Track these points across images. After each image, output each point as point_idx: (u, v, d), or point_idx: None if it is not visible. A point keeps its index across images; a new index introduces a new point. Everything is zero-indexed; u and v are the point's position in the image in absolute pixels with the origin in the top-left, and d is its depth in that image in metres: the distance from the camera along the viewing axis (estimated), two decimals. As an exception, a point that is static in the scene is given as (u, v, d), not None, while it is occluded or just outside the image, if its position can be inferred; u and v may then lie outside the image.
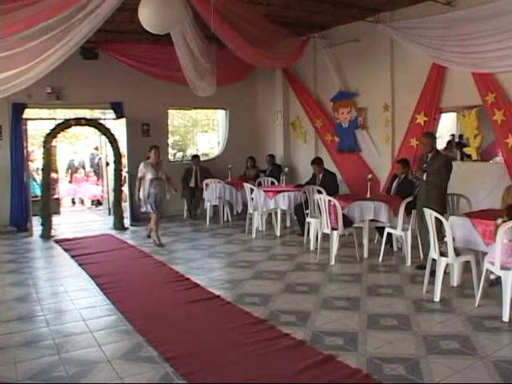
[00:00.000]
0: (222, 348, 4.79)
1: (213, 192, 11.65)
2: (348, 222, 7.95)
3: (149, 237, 9.82)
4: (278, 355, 4.59)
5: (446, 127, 11.63)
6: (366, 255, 8.14)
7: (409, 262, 7.63)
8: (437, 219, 6.06)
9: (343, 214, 7.86)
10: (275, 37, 9.50)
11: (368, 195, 8.35)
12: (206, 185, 11.89)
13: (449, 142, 12.29)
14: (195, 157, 13.07)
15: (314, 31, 11.11)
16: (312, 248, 8.72)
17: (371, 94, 10.60)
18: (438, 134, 9.20)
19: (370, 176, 8.67)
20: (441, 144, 11.26)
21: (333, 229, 7.92)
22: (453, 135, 12.42)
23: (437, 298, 5.98)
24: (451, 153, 10.83)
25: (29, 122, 11.53)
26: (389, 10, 9.52)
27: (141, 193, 9.36)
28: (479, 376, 4.14)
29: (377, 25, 9.63)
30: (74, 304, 6.22)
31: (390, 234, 8.09)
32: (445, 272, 6.17)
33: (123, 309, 5.93)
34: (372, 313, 5.63)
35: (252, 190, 10.27)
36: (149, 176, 9.27)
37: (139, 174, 9.34)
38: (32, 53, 6.99)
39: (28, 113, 11.61)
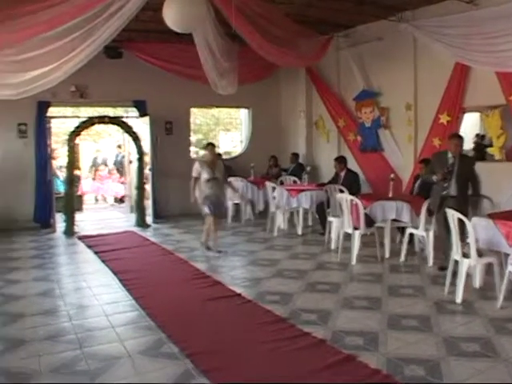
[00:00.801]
0: (243, 346, 4.81)
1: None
2: (370, 221, 7.92)
3: (208, 248, 8.81)
4: (299, 354, 4.60)
5: (468, 127, 11.43)
6: (387, 255, 8.10)
7: (431, 263, 7.57)
8: (459, 220, 6.02)
9: (365, 214, 7.84)
10: (298, 36, 9.49)
11: (390, 195, 8.31)
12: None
13: (476, 143, 11.99)
14: (218, 155, 13.08)
15: (337, 30, 11.07)
16: (333, 247, 8.71)
17: (394, 94, 10.54)
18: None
19: (392, 176, 8.62)
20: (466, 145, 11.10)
21: (355, 228, 7.90)
22: (482, 136, 12.11)
23: (458, 300, 5.93)
24: (480, 153, 10.64)
25: (53, 120, 11.66)
26: (411, 9, 9.45)
27: (196, 194, 8.70)
28: (501, 379, 4.10)
29: (400, 24, 9.57)
30: (97, 299, 6.29)
31: (411, 234, 8.04)
32: (467, 273, 6.12)
33: (145, 305, 5.99)
34: (393, 313, 5.61)
35: (274, 189, 10.28)
36: (204, 176, 8.57)
37: (194, 174, 8.67)
38: (58, 53, 7.10)
39: (52, 111, 11.76)
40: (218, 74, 9.73)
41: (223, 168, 8.85)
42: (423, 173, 8.42)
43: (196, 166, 8.69)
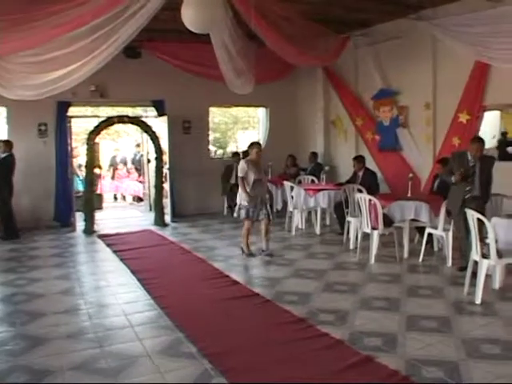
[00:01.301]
0: (261, 346, 4.82)
1: (253, 189, 11.68)
2: (388, 221, 7.89)
3: (250, 255, 8.41)
4: (317, 354, 4.60)
5: (488, 125, 11.32)
6: (406, 255, 8.07)
7: (450, 263, 7.53)
8: (479, 220, 5.97)
9: (383, 214, 7.81)
10: (316, 35, 9.47)
11: (409, 194, 8.27)
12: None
13: (500, 141, 11.82)
14: (236, 154, 13.12)
15: (355, 29, 11.03)
16: (352, 247, 8.70)
17: (412, 93, 10.47)
18: (480, 133, 9.01)
19: (410, 175, 8.57)
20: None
21: (373, 228, 7.88)
22: (504, 133, 11.92)
23: (478, 301, 5.89)
24: (503, 151, 10.56)
25: (73, 120, 11.75)
26: (431, 7, 9.36)
27: (238, 196, 8.28)
28: (521, 381, 4.08)
29: (418, 22, 9.51)
30: (116, 298, 6.35)
31: (430, 235, 7.99)
32: (486, 274, 6.07)
33: (163, 304, 6.02)
34: (411, 314, 5.59)
35: (292, 188, 10.28)
36: (251, 176, 8.07)
37: (240, 174, 8.12)
38: (79, 53, 7.17)
39: (72, 111, 11.86)
40: (234, 74, 9.75)
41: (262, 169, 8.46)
42: (442, 172, 8.37)
43: (242, 166, 8.13)
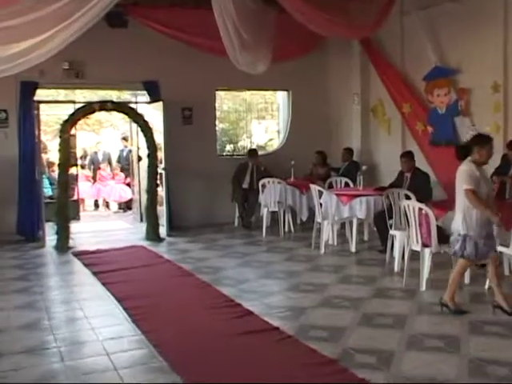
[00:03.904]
0: (281, 395, 4.77)
1: (271, 195, 11.71)
2: (444, 236, 7.77)
3: (460, 312, 6.73)
4: (352, 407, 4.54)
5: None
6: (467, 280, 7.95)
7: (525, 290, 7.43)
8: None
9: (438, 226, 7.72)
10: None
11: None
12: (263, 186, 11.92)
13: None
14: (253, 152, 13.06)
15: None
16: (396, 269, 8.63)
17: (477, 71, 10.41)
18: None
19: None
20: None
21: (424, 245, 7.78)
22: None
23: None
24: None
25: (41, 106, 11.74)
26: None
27: (459, 221, 6.66)
28: None
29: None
30: (96, 333, 6.30)
31: (500, 254, 7.88)
32: None
33: (156, 341, 5.97)
34: (476, 357, 5.48)
35: (321, 194, 10.24)
36: (483, 188, 6.65)
37: (469, 185, 6.49)
38: (48, 20, 7.14)
39: (40, 94, 11.89)
40: (239, 48, 9.65)
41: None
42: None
43: (471, 171, 6.60)
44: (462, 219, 6.60)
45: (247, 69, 10.37)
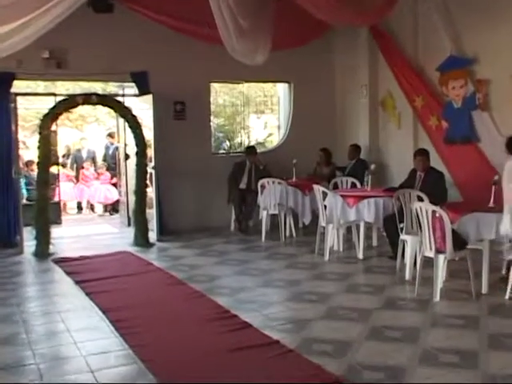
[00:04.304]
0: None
1: (271, 196, 11.71)
2: (460, 241, 7.80)
3: None
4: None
5: None
6: (485, 290, 7.95)
7: (551, 301, 7.45)
8: None
9: (453, 231, 7.72)
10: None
11: (491, 204, 8.18)
12: (262, 186, 11.92)
13: None
14: (251, 149, 13.06)
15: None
16: (408, 277, 8.63)
17: (497, 60, 10.41)
18: None
19: (496, 177, 8.46)
20: None
21: (438, 251, 7.79)
22: None
23: None
24: None
25: (19, 99, 11.72)
26: None
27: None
28: None
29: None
30: (79, 348, 6.28)
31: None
32: None
33: (145, 356, 5.96)
34: (494, 374, 5.47)
35: (325, 195, 10.24)
36: None
37: None
38: (26, 4, 7.13)
39: (18, 86, 11.86)
40: (235, 35, 9.64)
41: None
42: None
43: None
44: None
45: (245, 59, 10.35)
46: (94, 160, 16.79)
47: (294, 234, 11.92)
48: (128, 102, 12.11)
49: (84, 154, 16.79)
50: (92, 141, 18.11)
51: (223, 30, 9.48)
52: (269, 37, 10.00)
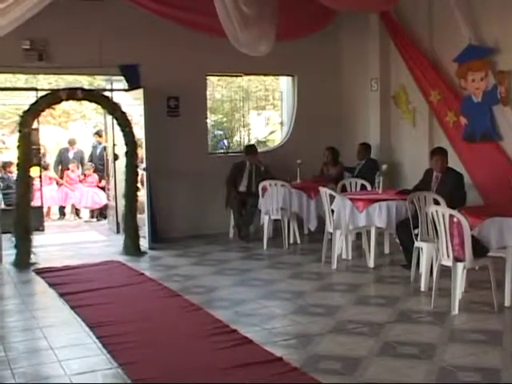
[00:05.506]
0: None
1: (273, 200, 11.72)
2: (480, 249, 7.79)
3: None
4: None
5: None
6: (508, 302, 7.94)
7: None
8: None
9: (473, 237, 7.71)
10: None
11: (515, 208, 8.20)
12: (264, 189, 11.92)
13: None
14: (251, 148, 13.06)
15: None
16: (423, 288, 8.63)
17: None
18: None
19: (518, 179, 8.47)
20: None
21: (456, 259, 7.78)
22: None
23: None
24: None
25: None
26: None
27: None
28: None
29: None
30: (63, 367, 6.26)
31: None
32: None
33: (136, 376, 5.94)
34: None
35: (332, 198, 10.23)
36: None
37: None
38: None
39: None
40: (239, 25, 9.65)
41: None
42: None
43: None
44: None
45: (248, 50, 10.35)
46: (81, 161, 16.74)
47: (299, 241, 11.92)
48: (117, 97, 12.12)
49: (70, 155, 16.74)
50: (78, 139, 18.08)
51: (225, 19, 9.48)
52: (273, 25, 10.00)
